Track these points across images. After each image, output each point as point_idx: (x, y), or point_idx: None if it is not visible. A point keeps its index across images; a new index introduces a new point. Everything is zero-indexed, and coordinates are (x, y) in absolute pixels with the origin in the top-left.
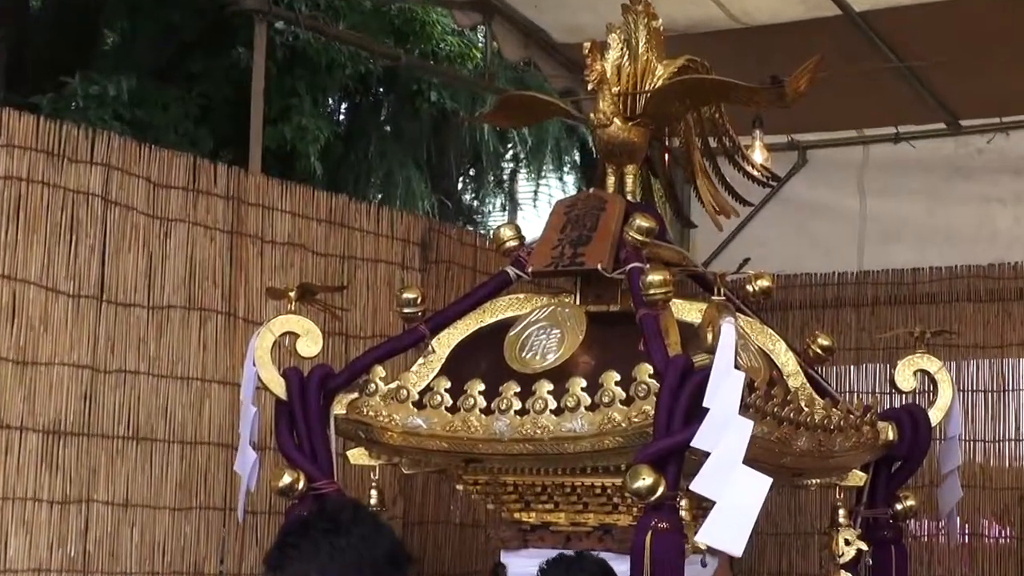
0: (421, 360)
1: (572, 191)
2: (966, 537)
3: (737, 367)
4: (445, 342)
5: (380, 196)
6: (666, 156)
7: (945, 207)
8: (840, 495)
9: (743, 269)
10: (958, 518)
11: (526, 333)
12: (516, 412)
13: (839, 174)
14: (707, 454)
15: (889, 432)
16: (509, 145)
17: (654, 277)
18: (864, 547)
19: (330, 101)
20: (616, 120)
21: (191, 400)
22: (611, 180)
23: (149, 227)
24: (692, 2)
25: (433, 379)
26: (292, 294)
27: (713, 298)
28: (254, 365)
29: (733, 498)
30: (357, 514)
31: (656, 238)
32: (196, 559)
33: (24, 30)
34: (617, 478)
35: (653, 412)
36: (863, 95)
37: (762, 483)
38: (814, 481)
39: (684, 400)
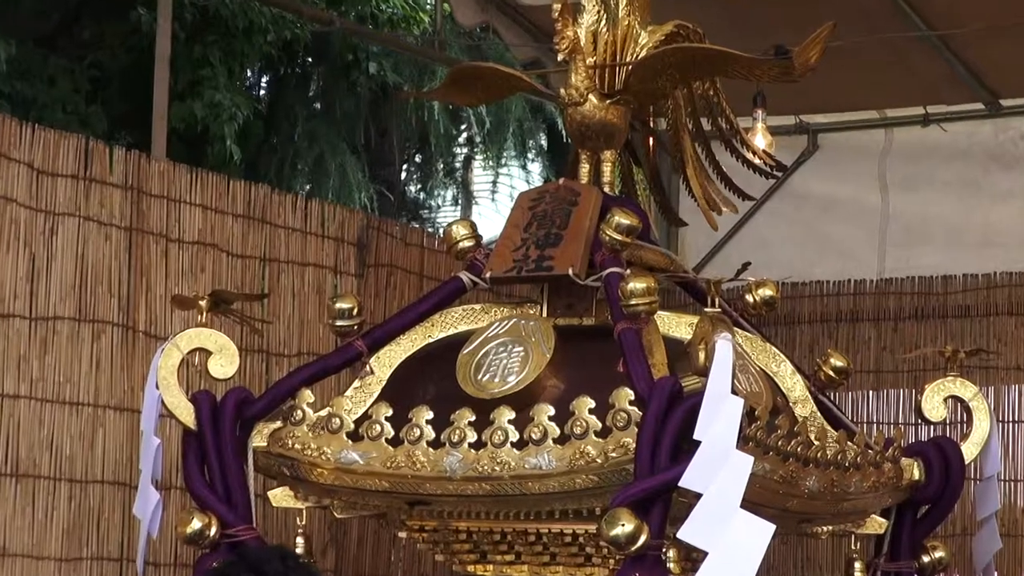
0: (357, 383)
1: (538, 182)
2: None
3: (734, 392)
4: (386, 361)
5: (308, 187)
6: (651, 141)
7: (982, 203)
8: (856, 545)
9: (742, 276)
10: (995, 573)
11: (483, 351)
12: (470, 445)
13: (856, 163)
14: (699, 496)
15: (915, 471)
16: (463, 127)
17: (636, 285)
18: None
19: (249, 73)
20: (591, 97)
21: (81, 430)
22: (585, 169)
23: (32, 222)
24: None
25: (371, 406)
26: (203, 303)
27: (706, 310)
28: (157, 388)
29: (729, 548)
30: (286, 563)
31: (639, 238)
32: None
33: None
34: (591, 524)
35: (634, 446)
36: (885, 69)
37: (764, 531)
38: (825, 528)
39: (671, 431)
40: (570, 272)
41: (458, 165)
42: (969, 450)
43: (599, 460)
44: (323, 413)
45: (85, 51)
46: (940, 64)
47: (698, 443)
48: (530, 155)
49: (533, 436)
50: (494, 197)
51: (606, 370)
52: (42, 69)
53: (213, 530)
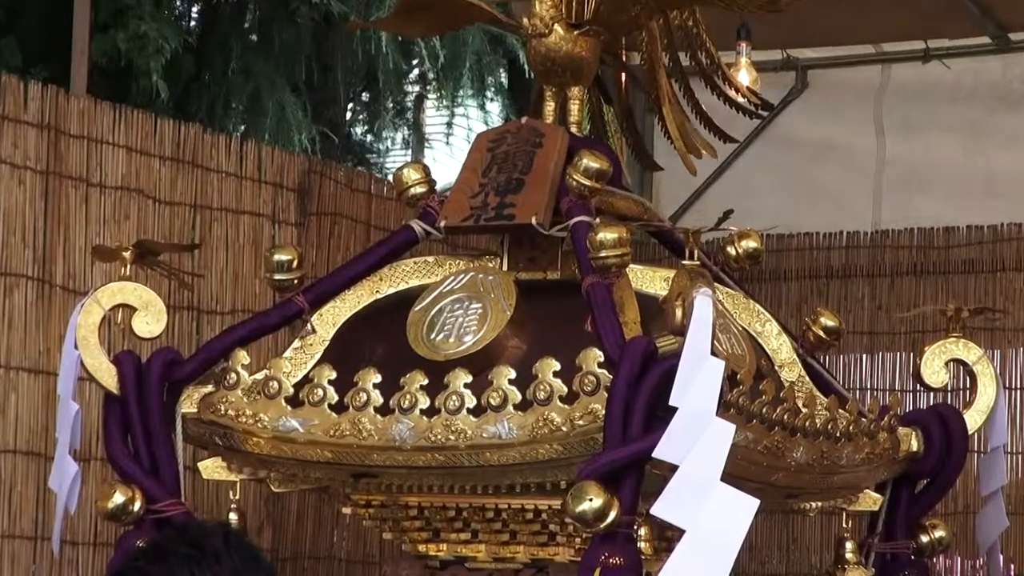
0: (298, 343)
1: (498, 123)
2: None
3: (714, 354)
4: (329, 319)
5: (244, 127)
6: (623, 76)
7: (988, 148)
8: (847, 523)
9: (724, 225)
10: (1001, 556)
11: (436, 308)
12: (422, 412)
13: (850, 103)
14: (674, 468)
15: (912, 441)
16: (414, 62)
17: (606, 235)
18: None
19: (177, 2)
20: (557, 28)
21: None
22: (550, 107)
23: None
24: None
25: (313, 368)
26: (127, 255)
27: (684, 263)
28: (76, 348)
29: (708, 526)
30: (228, 540)
31: (609, 183)
32: None
33: None
34: (556, 499)
35: (603, 413)
36: None
37: (746, 507)
38: (814, 505)
39: (644, 397)
40: (533, 221)
41: (409, 104)
42: (973, 419)
43: (564, 428)
44: (259, 376)
45: None
46: None
47: (674, 410)
48: (489, 93)
49: (492, 402)
50: (449, 140)
51: (573, 329)
52: None
53: (137, 505)
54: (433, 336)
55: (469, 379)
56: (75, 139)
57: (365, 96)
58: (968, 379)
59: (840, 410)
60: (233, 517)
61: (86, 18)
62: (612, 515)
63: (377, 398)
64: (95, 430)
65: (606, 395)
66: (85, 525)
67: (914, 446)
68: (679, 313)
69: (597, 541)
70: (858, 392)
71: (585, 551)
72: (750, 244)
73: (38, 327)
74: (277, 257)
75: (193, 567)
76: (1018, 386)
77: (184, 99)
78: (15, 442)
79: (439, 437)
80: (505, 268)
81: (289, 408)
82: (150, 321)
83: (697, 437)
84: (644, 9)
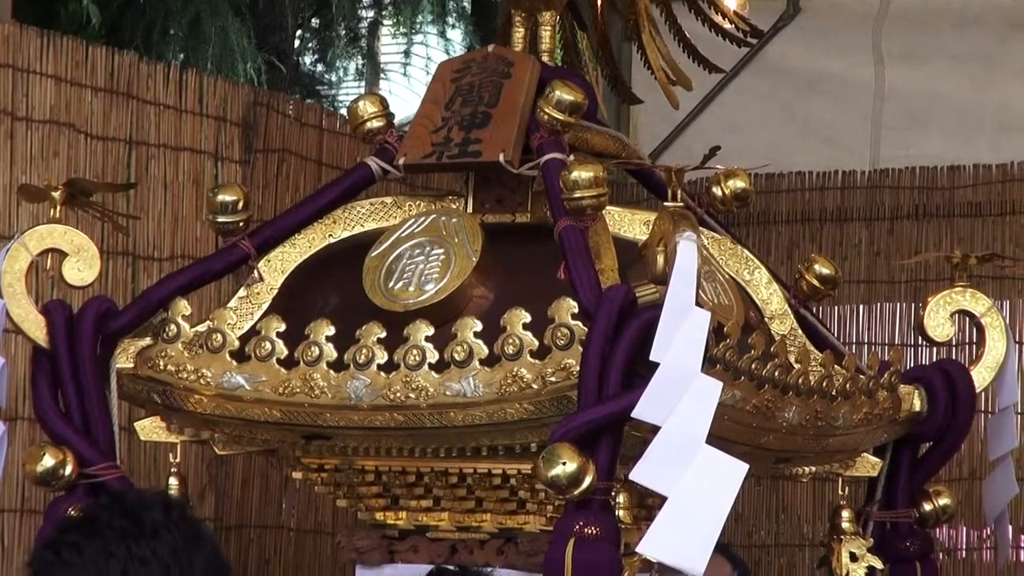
0: (243, 292)
1: (460, 51)
2: (1022, 551)
3: (699, 304)
4: (278, 266)
5: (183, 56)
6: (599, 1)
7: (997, 80)
8: (844, 490)
9: (709, 164)
10: (1009, 525)
11: (395, 254)
12: (380, 367)
13: (846, 30)
14: (655, 429)
15: (915, 400)
16: None
17: (581, 174)
18: (878, 565)
19: None
20: None
21: None
22: (519, 34)
23: None
24: None
25: (260, 319)
26: (56, 195)
27: (666, 204)
28: (1, 298)
29: (692, 492)
30: (169, 514)
31: (584, 117)
32: None
33: None
34: (526, 463)
35: (578, 368)
36: None
37: (734, 471)
38: (807, 470)
39: (622, 352)
40: (501, 158)
41: (363, 31)
42: (981, 376)
43: (535, 386)
44: (202, 328)
45: None
46: None
47: (655, 365)
48: (450, 19)
49: (456, 356)
50: (406, 70)
51: (544, 277)
52: None
53: (69, 468)
54: (391, 284)
55: (431, 332)
56: None
57: (315, 22)
58: (975, 332)
59: (836, 366)
60: (173, 482)
61: None
62: (587, 481)
63: (330, 352)
64: (22, 387)
65: (580, 349)
66: (11, 490)
67: (916, 406)
68: (661, 259)
69: (571, 509)
70: (855, 346)
71: (558, 520)
72: (738, 184)
73: None
74: (220, 197)
75: (130, 542)
76: None
77: (117, 25)
78: None
79: (398, 395)
80: (470, 210)
81: (234, 363)
82: (82, 268)
83: (680, 395)
84: None
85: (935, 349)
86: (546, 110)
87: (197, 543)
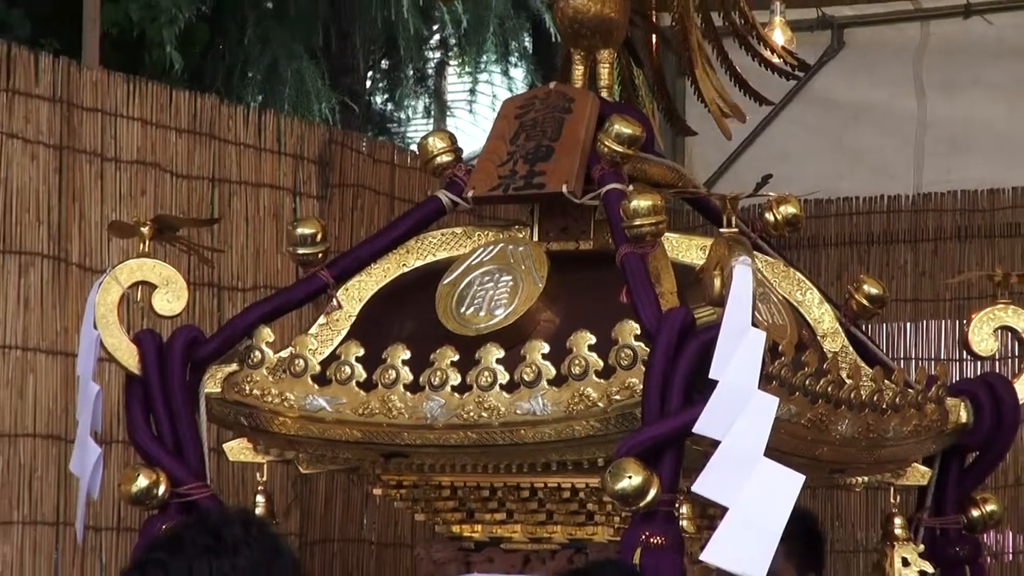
0: (323, 319)
1: (522, 90)
2: None
3: (755, 324)
4: (355, 294)
5: (261, 98)
6: (654, 38)
7: None
8: (895, 499)
9: (761, 191)
10: None
11: (466, 281)
12: (454, 389)
13: (888, 62)
14: (715, 443)
15: (961, 412)
16: (435, 27)
17: (640, 203)
18: (929, 569)
19: None
20: None
21: (9, 376)
22: (579, 72)
23: None
24: None
25: (340, 345)
26: (145, 231)
27: (721, 231)
28: (95, 328)
29: (751, 503)
30: (249, 530)
31: (642, 149)
32: None
33: None
34: (593, 477)
35: (641, 387)
36: None
37: (791, 482)
38: (860, 480)
39: (683, 370)
40: (564, 189)
41: (431, 71)
42: None
43: (601, 404)
44: (284, 354)
45: None
46: None
47: (714, 383)
48: (513, 58)
49: (525, 377)
50: (472, 107)
51: (607, 301)
52: None
53: (162, 489)
54: (463, 310)
55: (501, 354)
56: (88, 112)
57: (385, 63)
58: (1018, 346)
59: (886, 381)
60: (260, 500)
61: None
62: (652, 493)
63: (407, 375)
64: (116, 412)
65: (643, 369)
66: (108, 510)
67: (963, 417)
68: (717, 283)
69: (637, 520)
70: (903, 362)
71: (625, 530)
72: (789, 210)
73: (55, 307)
74: (300, 230)
75: (211, 558)
76: None
77: (199, 69)
78: (34, 425)
79: (471, 414)
80: (536, 238)
81: (316, 386)
82: (171, 299)
83: (738, 411)
84: None
85: (979, 363)
86: (606, 143)
87: (276, 557)
